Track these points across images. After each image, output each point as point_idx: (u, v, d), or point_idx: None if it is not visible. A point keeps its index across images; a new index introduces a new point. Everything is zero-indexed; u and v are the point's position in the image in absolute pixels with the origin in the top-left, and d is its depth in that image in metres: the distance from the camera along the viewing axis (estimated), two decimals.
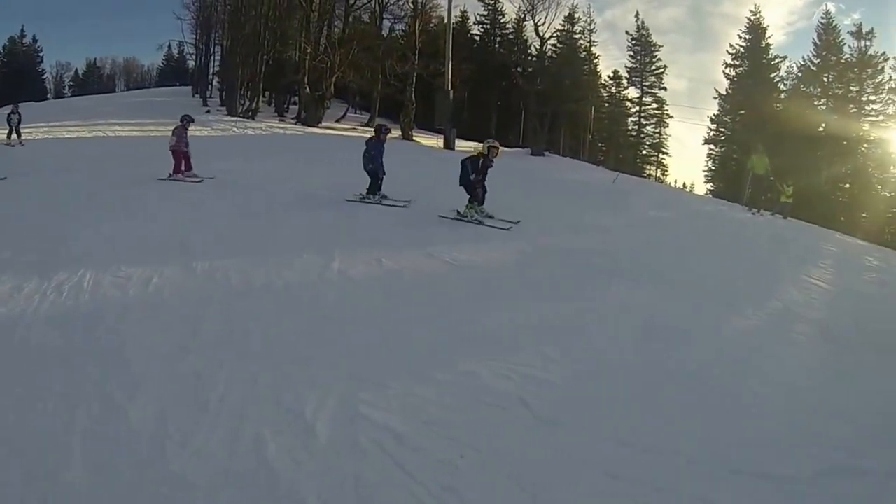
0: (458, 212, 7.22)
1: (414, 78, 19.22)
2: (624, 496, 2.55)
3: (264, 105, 22.36)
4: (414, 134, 18.87)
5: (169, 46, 28.43)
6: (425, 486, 2.44)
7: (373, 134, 8.23)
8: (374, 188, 8.03)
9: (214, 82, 25.21)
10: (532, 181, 13.28)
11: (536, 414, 3.12)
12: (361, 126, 19.69)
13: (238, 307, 4.24)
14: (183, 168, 9.29)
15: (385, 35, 21.30)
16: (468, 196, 7.29)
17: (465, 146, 18.57)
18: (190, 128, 9.72)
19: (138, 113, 19.98)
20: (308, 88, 20.81)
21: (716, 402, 3.56)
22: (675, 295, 5.66)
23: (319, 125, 20.24)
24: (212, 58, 25.66)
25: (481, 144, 7.55)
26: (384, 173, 8.05)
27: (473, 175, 7.17)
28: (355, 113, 22.77)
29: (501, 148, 7.75)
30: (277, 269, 5.06)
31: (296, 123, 20.57)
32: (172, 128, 9.58)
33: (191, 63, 27.26)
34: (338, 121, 21.09)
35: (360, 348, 3.68)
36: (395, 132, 19.46)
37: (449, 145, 17.54)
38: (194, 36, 25.97)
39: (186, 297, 4.43)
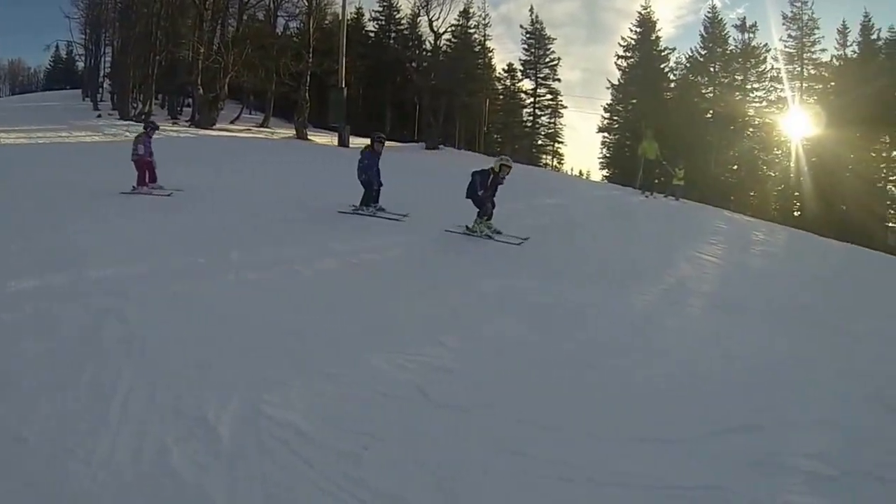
0: (467, 227, 6.97)
1: (308, 76, 18.74)
2: (527, 472, 2.65)
3: (157, 108, 21.29)
4: (308, 133, 18.40)
5: (57, 47, 26.69)
6: (332, 480, 2.48)
7: (367, 144, 7.85)
8: (368, 199, 7.62)
9: (105, 85, 23.73)
10: (426, 175, 13.17)
11: (435, 401, 3.21)
12: (256, 127, 19.05)
13: (136, 316, 4.11)
14: (147, 180, 8.50)
15: (280, 33, 20.66)
16: (477, 211, 7.01)
17: (359, 143, 18.33)
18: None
19: (25, 119, 18.58)
20: (201, 89, 19.91)
21: (612, 378, 3.71)
22: (569, 278, 5.79)
23: (214, 127, 19.42)
24: (102, 59, 24.16)
25: (494, 160, 7.27)
26: (379, 185, 7.62)
27: (482, 191, 6.91)
28: (250, 114, 22.02)
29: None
30: (176, 275, 4.99)
31: (189, 126, 19.67)
32: (133, 137, 8.83)
33: (80, 65, 25.65)
34: (232, 122, 20.29)
35: (259, 349, 3.67)
36: (288, 132, 19.00)
37: (343, 143, 17.20)
38: (83, 36, 24.41)
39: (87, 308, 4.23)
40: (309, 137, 18.26)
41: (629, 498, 2.58)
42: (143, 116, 20.29)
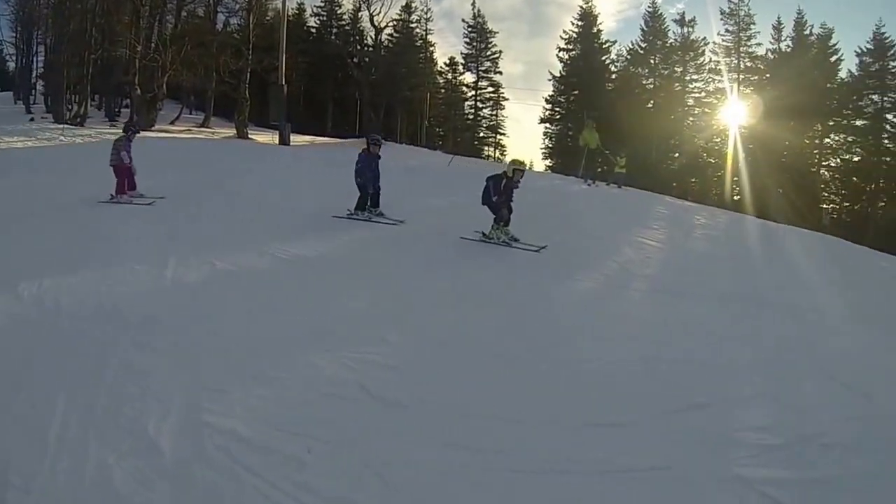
0: (484, 233, 6.66)
1: (248, 74, 18.42)
2: (477, 466, 2.63)
3: (94, 110, 20.57)
4: (249, 132, 18.13)
5: None
6: (278, 487, 2.42)
7: (364, 146, 7.45)
8: (362, 204, 7.27)
9: (38, 86, 22.80)
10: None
11: (378, 398, 3.15)
12: (197, 127, 18.65)
13: (69, 328, 3.92)
14: (126, 188, 7.94)
15: (219, 30, 20.22)
16: (494, 217, 6.67)
17: (300, 140, 18.17)
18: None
19: None
20: (139, 89, 19.33)
21: (558, 366, 3.68)
22: (512, 269, 5.73)
23: (153, 129, 18.90)
24: (34, 59, 23.21)
25: (507, 164, 6.98)
26: (374, 188, 7.25)
27: (496, 197, 6.57)
28: (190, 114, 21.54)
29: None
30: (108, 285, 4.69)
31: None
32: (113, 141, 8.20)
33: (11, 65, 24.57)
34: (172, 123, 19.81)
35: (197, 356, 3.54)
36: (229, 131, 18.65)
37: (284, 141, 17.00)
38: (14, 34, 23.41)
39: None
40: (250, 136, 17.98)
41: (582, 484, 2.60)
42: (78, 119, 19.65)
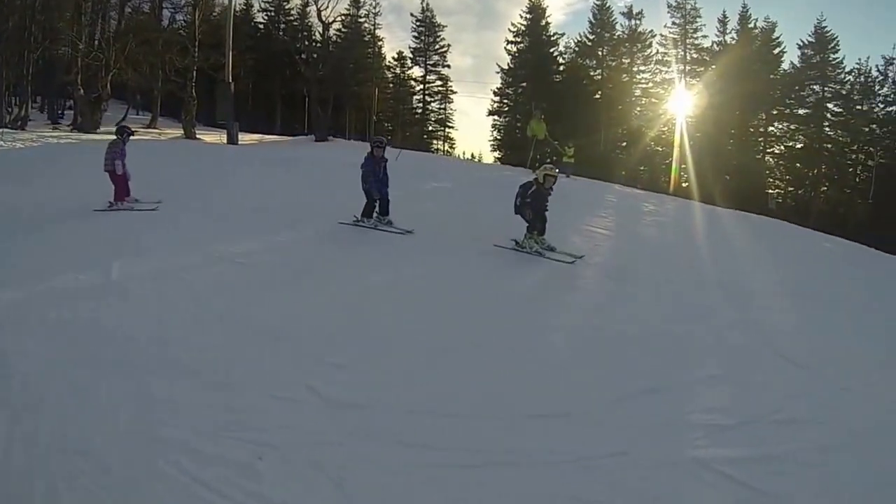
0: (516, 242, 6.26)
1: (195, 72, 18.16)
2: (427, 463, 2.62)
3: (36, 111, 19.99)
4: (197, 132, 17.92)
5: None
6: (230, 497, 2.37)
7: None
8: (369, 211, 6.76)
9: None
10: (315, 167, 13.05)
11: (327, 399, 3.12)
12: (143, 128, 18.29)
13: (11, 345, 3.65)
14: (123, 194, 7.39)
15: (165, 27, 19.82)
16: (527, 225, 6.26)
17: (249, 139, 18.06)
18: None
19: None
20: (82, 90, 18.88)
21: (505, 359, 3.66)
22: (456, 263, 5.68)
23: (98, 131, 18.50)
24: None
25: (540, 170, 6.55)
26: (380, 195, 6.70)
27: (519, 199, 6.20)
28: (137, 114, 21.05)
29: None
30: (45, 294, 4.46)
31: (72, 130, 18.63)
32: (108, 144, 7.57)
33: None
34: (118, 124, 19.41)
35: (144, 367, 3.41)
36: (176, 132, 18.36)
37: (232, 140, 16.86)
38: None
39: None
40: (198, 136, 17.77)
41: (539, 475, 2.60)
42: (19, 122, 19.08)
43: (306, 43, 21.88)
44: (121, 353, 3.58)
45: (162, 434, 2.79)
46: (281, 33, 22.87)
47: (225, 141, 17.10)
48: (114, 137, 7.70)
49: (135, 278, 4.86)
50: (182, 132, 17.83)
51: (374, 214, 6.81)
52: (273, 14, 23.11)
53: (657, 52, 23.34)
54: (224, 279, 5.05)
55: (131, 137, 7.90)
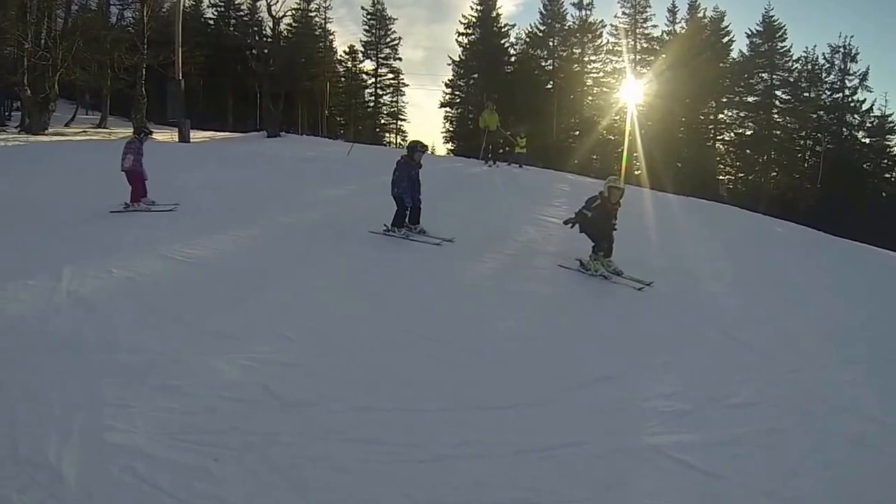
0: (581, 262, 5.66)
1: (144, 70, 18.08)
2: (379, 459, 2.64)
3: None
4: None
5: None
6: (186, 502, 2.35)
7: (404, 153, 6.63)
8: (399, 220, 6.37)
9: None
10: (267, 164, 13.13)
11: (281, 398, 3.10)
12: (93, 128, 18.20)
13: None
14: (140, 195, 7.21)
15: (113, 24, 19.65)
16: (593, 244, 5.68)
17: (201, 137, 18.10)
18: None
19: None
20: (29, 90, 18.65)
21: (460, 351, 3.67)
22: (419, 255, 5.62)
23: (47, 132, 18.33)
24: None
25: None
26: (411, 202, 6.32)
27: (580, 211, 5.62)
28: (86, 114, 20.83)
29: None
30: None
31: (19, 132, 18.41)
32: (125, 144, 7.32)
33: None
34: (67, 125, 19.21)
35: (96, 371, 3.32)
36: (127, 131, 18.23)
37: (184, 138, 16.88)
38: None
39: None
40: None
41: (495, 467, 2.61)
42: None
43: (257, 38, 21.73)
44: (69, 361, 3.49)
45: (115, 440, 2.74)
46: (231, 29, 22.80)
47: (177, 139, 17.13)
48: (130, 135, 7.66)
49: (86, 281, 4.73)
50: (133, 132, 17.74)
51: (404, 223, 6.44)
52: (223, 9, 23.04)
53: (608, 42, 24.06)
54: (174, 280, 4.94)
55: (149, 137, 7.78)
